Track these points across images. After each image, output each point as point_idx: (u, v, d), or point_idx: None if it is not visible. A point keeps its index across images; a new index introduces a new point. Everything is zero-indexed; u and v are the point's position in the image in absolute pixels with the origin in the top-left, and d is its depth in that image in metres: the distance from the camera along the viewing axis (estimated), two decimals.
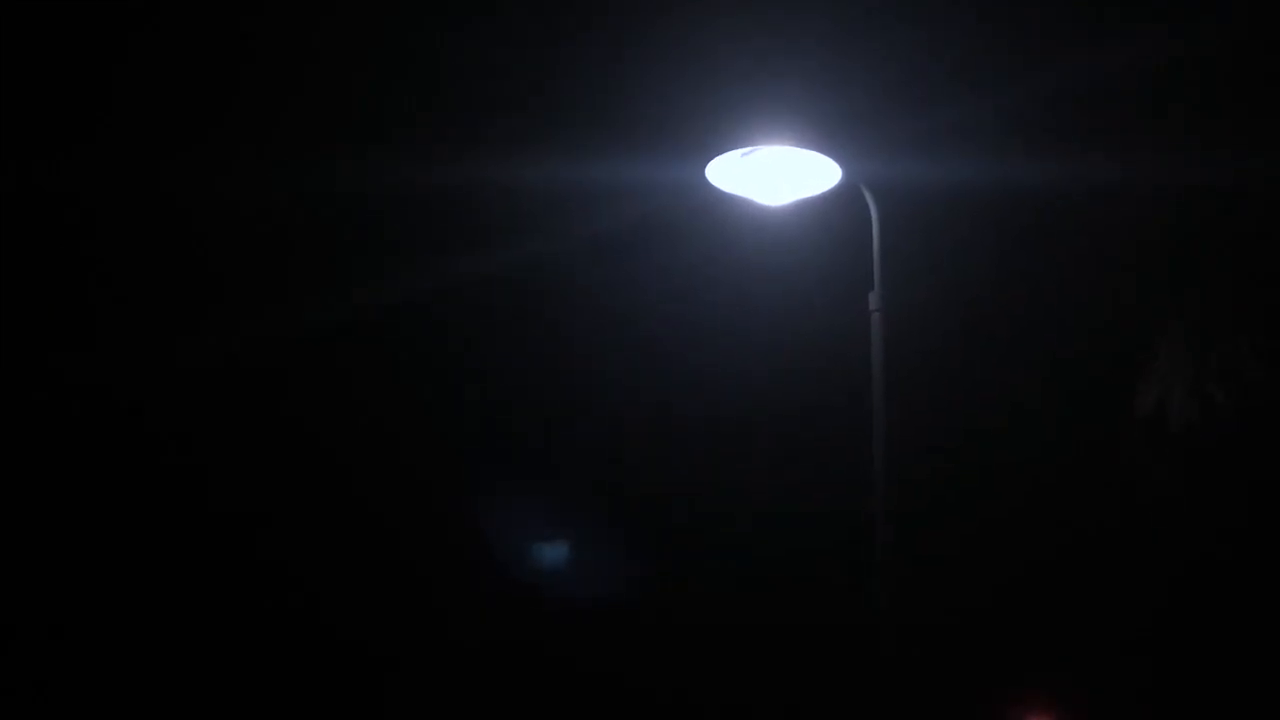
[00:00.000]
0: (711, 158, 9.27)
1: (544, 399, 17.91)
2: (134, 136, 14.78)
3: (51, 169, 14.54)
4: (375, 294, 16.40)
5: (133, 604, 17.17)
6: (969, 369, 14.89)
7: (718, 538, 17.58)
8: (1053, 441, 15.09)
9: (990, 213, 12.53)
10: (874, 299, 9.28)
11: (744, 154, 9.27)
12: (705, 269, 15.32)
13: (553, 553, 18.87)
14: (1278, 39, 11.61)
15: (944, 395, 14.80)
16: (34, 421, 16.50)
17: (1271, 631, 14.20)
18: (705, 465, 17.26)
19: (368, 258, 16.47)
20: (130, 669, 16.98)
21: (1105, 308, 13.11)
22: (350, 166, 14.71)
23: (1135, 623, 15.55)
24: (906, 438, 9.57)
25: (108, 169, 14.80)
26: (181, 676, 17.12)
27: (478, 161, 14.43)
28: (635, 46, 13.32)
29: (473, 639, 18.07)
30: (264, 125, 14.97)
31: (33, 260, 15.94)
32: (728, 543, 17.59)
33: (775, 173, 9.42)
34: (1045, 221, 12.49)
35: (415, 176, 14.82)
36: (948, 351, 14.25)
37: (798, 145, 9.10)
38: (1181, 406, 11.42)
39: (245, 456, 17.50)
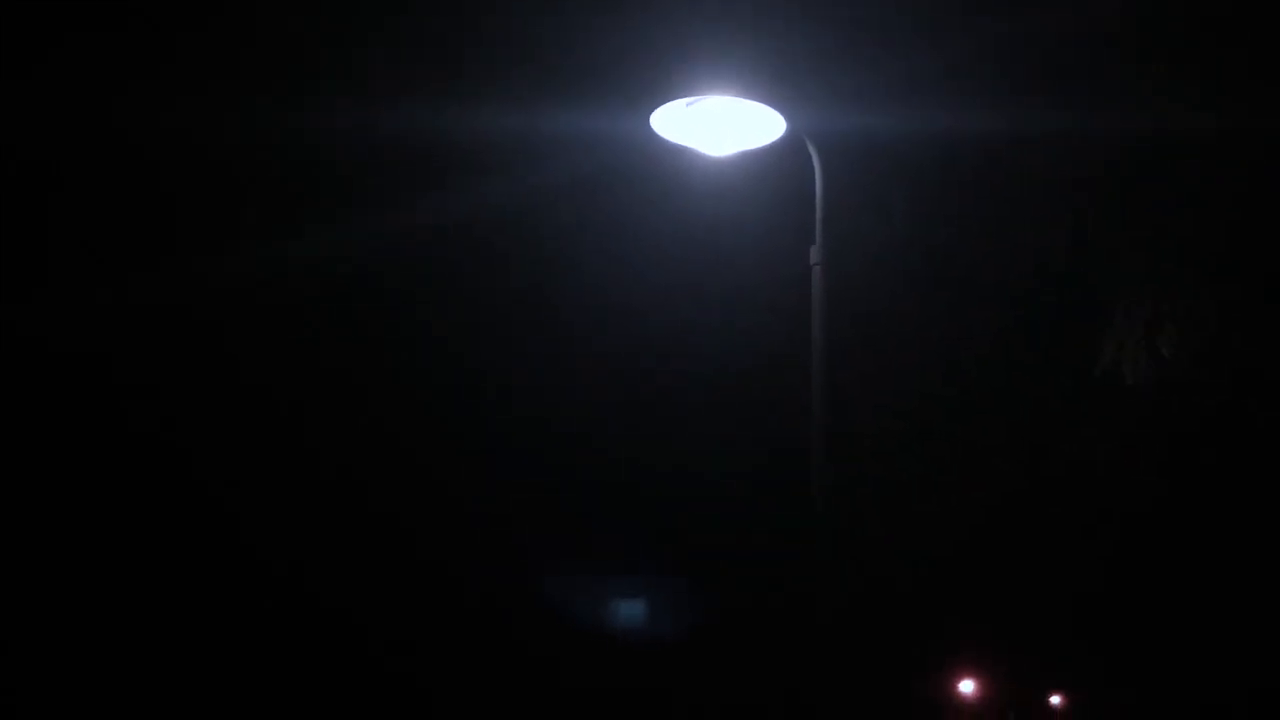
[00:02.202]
0: (656, 107, 9.09)
1: (486, 350, 17.76)
2: (85, 77, 14.44)
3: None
4: (315, 246, 16.18)
5: (128, 601, 17.04)
6: (917, 326, 14.78)
7: (647, 497, 17.51)
8: (1001, 403, 15.03)
9: (938, 167, 12.40)
10: (815, 253, 9.13)
11: (689, 104, 9.10)
12: (649, 219, 15.16)
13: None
14: None
15: (890, 353, 14.69)
16: None
17: (1211, 595, 14.26)
18: (642, 418, 17.17)
19: (309, 206, 16.22)
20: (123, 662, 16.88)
21: (1056, 262, 13.02)
22: (293, 115, 14.45)
23: (1074, 586, 15.57)
24: (853, 397, 9.44)
25: (56, 110, 14.48)
26: (164, 667, 17.06)
27: (420, 112, 14.16)
28: None
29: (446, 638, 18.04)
30: (214, 74, 14.67)
31: None
32: (657, 501, 17.52)
33: (720, 123, 9.27)
34: (993, 175, 12.36)
35: (357, 127, 14.57)
36: (894, 310, 14.13)
37: (742, 95, 8.93)
38: (1135, 360, 11.37)
39: (205, 421, 17.33)
